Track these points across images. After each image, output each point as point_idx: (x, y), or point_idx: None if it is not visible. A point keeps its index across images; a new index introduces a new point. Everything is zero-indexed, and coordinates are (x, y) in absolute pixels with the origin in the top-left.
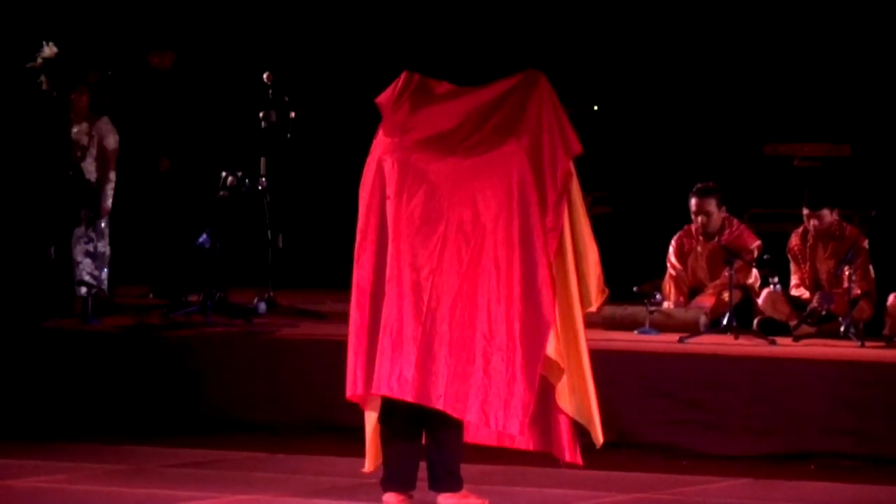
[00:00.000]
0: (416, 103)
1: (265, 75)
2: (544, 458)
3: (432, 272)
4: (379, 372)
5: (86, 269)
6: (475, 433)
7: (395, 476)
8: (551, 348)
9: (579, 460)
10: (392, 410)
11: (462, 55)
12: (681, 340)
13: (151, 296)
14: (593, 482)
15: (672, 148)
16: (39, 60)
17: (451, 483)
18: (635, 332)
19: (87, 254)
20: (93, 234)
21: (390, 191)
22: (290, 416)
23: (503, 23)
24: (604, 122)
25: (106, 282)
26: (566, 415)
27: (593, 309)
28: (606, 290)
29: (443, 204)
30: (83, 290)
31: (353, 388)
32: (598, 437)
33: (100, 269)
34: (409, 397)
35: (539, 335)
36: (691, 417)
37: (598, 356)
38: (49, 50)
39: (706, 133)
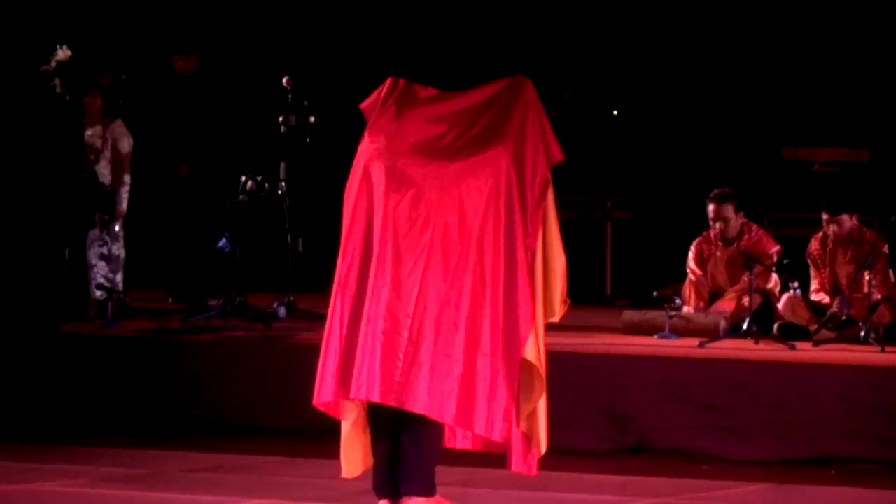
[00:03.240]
0: (402, 108)
1: (285, 80)
2: (562, 462)
3: (419, 277)
4: (361, 377)
5: (100, 272)
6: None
7: (389, 482)
8: (531, 353)
9: (531, 471)
10: (379, 416)
11: (453, 61)
12: (701, 345)
13: (170, 300)
14: (613, 487)
15: (691, 152)
16: (53, 64)
17: (425, 488)
18: (655, 336)
19: (102, 257)
20: (107, 238)
21: (377, 196)
22: (309, 420)
23: (503, 28)
24: (623, 127)
25: (121, 285)
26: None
27: (556, 319)
28: (568, 301)
29: (430, 208)
30: (99, 293)
31: (320, 394)
32: (541, 445)
33: (114, 272)
34: (391, 402)
35: (517, 340)
36: (711, 422)
37: (617, 361)
38: (63, 53)
39: (725, 138)
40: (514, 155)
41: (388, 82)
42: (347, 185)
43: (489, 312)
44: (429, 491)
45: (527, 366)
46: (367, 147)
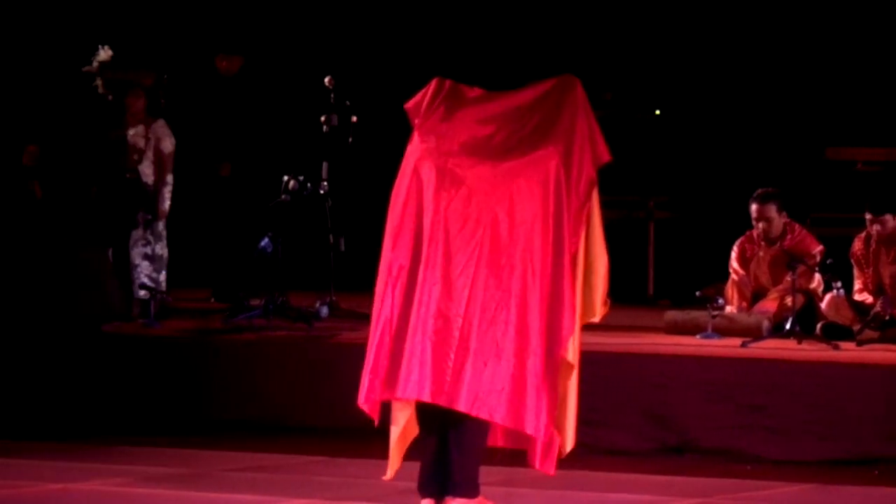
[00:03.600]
0: (451, 108)
1: (327, 79)
2: (605, 462)
3: (469, 276)
4: (412, 376)
5: (143, 271)
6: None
7: (433, 482)
8: (571, 354)
9: (550, 470)
10: (428, 415)
11: (496, 61)
12: (743, 345)
13: (213, 300)
14: (656, 487)
15: (734, 152)
16: (95, 64)
17: (468, 489)
18: (698, 336)
19: (145, 256)
20: (150, 237)
21: (427, 195)
22: (351, 420)
23: (546, 28)
24: (665, 127)
25: (164, 285)
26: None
27: (596, 319)
28: (609, 302)
29: (480, 208)
30: (142, 293)
31: (367, 393)
32: (566, 445)
33: (158, 271)
34: (442, 402)
35: (560, 340)
36: (754, 422)
37: (660, 361)
38: (105, 53)
39: (768, 137)
40: (563, 155)
41: (433, 83)
42: (396, 184)
43: (537, 312)
44: (472, 492)
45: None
46: (416, 147)
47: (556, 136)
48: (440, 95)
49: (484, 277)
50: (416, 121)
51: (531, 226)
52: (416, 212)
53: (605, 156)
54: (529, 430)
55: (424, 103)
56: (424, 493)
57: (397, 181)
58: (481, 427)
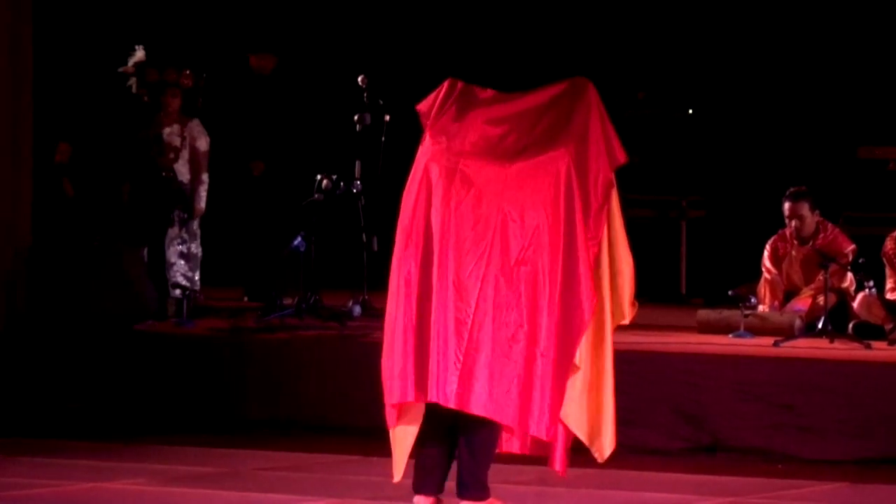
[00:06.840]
0: (462, 109)
1: (360, 78)
2: (637, 461)
3: (479, 278)
4: (429, 378)
5: (179, 270)
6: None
7: (429, 480)
8: (581, 357)
9: (564, 471)
10: (432, 415)
11: (523, 62)
12: (776, 344)
13: (246, 298)
14: (689, 486)
15: (766, 151)
16: (131, 64)
17: (478, 491)
18: (730, 335)
19: (181, 255)
20: (186, 236)
21: (437, 196)
22: (383, 419)
23: (580, 27)
24: (698, 126)
25: (198, 283)
26: (564, 424)
27: (626, 322)
28: (637, 304)
29: (490, 209)
30: (177, 292)
31: (402, 393)
32: (603, 452)
33: (193, 270)
34: (452, 404)
35: (571, 343)
36: (786, 421)
37: (692, 360)
38: (140, 54)
39: (801, 136)
40: (574, 157)
41: (445, 84)
42: (407, 184)
43: (546, 314)
44: (483, 494)
45: (593, 369)
46: (428, 147)
47: (567, 138)
48: (452, 96)
49: (494, 279)
50: (428, 122)
51: (541, 227)
52: (425, 213)
53: (622, 157)
54: (534, 432)
55: (436, 104)
56: (421, 490)
57: (408, 182)
58: (493, 430)
